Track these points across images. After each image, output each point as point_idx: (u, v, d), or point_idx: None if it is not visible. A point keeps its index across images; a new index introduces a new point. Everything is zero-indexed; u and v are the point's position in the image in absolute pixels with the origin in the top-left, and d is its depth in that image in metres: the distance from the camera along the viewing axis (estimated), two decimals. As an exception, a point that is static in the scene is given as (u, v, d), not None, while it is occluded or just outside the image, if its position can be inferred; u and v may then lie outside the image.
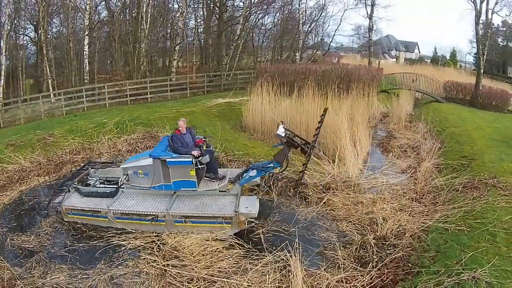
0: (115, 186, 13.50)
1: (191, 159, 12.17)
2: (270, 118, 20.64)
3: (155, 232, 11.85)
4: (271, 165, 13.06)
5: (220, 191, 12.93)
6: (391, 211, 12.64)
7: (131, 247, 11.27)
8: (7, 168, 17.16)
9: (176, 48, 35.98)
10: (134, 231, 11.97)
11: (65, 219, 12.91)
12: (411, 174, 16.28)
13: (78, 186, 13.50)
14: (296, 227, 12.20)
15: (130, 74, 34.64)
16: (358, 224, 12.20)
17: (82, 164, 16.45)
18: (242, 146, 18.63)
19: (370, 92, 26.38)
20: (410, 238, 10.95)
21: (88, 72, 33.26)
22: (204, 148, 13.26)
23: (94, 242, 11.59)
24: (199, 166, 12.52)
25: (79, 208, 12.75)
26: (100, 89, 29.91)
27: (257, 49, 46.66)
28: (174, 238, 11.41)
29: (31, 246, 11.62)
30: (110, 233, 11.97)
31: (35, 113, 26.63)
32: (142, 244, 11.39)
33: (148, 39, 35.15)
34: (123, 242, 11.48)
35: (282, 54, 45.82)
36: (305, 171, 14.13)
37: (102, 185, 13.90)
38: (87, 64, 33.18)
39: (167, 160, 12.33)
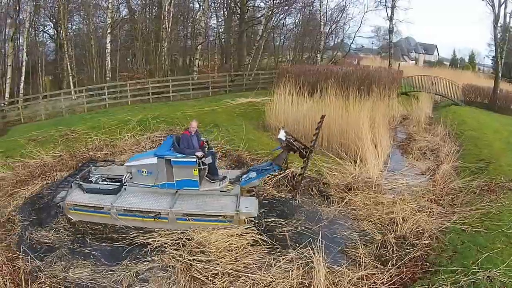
0: (118, 183, 13.87)
1: (195, 160, 12.62)
2: (292, 118, 20.93)
3: (179, 230, 12.10)
4: (271, 167, 13.36)
5: (221, 191, 13.30)
6: (411, 211, 12.85)
7: (157, 245, 11.47)
8: (29, 163, 17.28)
9: (198, 48, 36.20)
10: (157, 229, 12.22)
11: (67, 215, 13.16)
12: (430, 176, 16.52)
13: (81, 183, 13.78)
14: (319, 225, 12.41)
15: (152, 72, 35.07)
16: (378, 223, 12.47)
17: (83, 162, 16.73)
18: (266, 145, 18.76)
19: (391, 94, 26.57)
20: (429, 238, 11.20)
21: (110, 70, 33.66)
22: (206, 149, 13.68)
23: (118, 243, 11.77)
24: (202, 167, 12.90)
25: (82, 204, 12.97)
26: (122, 87, 30.23)
27: (278, 49, 46.66)
28: (200, 233, 11.61)
29: (50, 241, 11.85)
30: (133, 234, 12.09)
31: (55, 109, 27.09)
32: (168, 241, 11.58)
33: (169, 38, 35.51)
34: (148, 240, 11.66)
35: (303, 55, 45.92)
36: (304, 175, 14.26)
37: (104, 182, 14.19)
38: (109, 61, 33.61)
39: (172, 159, 12.75)
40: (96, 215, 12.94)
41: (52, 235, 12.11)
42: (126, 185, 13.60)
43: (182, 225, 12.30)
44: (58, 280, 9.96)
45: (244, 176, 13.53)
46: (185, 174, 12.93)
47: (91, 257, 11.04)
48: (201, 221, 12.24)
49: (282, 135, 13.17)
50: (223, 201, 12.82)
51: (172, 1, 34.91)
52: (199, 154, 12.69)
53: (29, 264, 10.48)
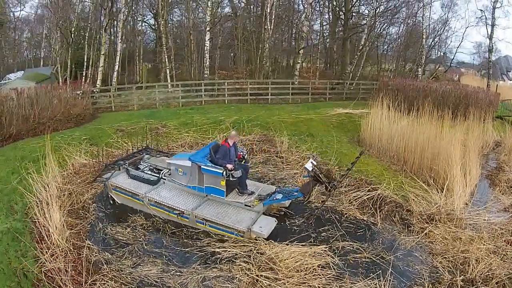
0: (158, 176, 15.17)
1: (221, 171, 13.43)
2: (387, 135, 20.90)
3: (250, 240, 12.51)
4: (296, 193, 14.01)
5: (245, 205, 13.99)
6: (486, 252, 12.36)
7: (227, 255, 11.91)
8: (113, 152, 18.52)
9: (300, 52, 36.64)
10: (227, 238, 12.90)
11: (109, 194, 14.94)
12: (512, 213, 15.83)
13: (129, 168, 15.47)
14: (393, 255, 12.31)
15: (252, 73, 35.91)
16: (452, 260, 12.09)
17: (139, 148, 17.80)
18: (358, 162, 17.65)
19: (486, 118, 25.92)
20: (496, 285, 10.91)
21: (208, 67, 34.57)
22: (242, 162, 14.74)
23: (189, 248, 12.47)
24: (231, 179, 13.68)
25: (122, 187, 14.68)
26: (220, 85, 31.32)
27: (381, 58, 46.51)
28: (272, 249, 11.81)
29: (125, 238, 12.81)
30: (206, 241, 12.78)
31: (149, 100, 28.49)
32: (240, 252, 11.98)
33: (271, 39, 36.07)
34: (218, 250, 12.19)
35: (405, 66, 45.48)
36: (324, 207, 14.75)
37: (149, 172, 15.55)
38: (208, 58, 34.50)
39: (202, 166, 13.83)
40: (132, 200, 14.66)
41: (128, 232, 13.24)
42: (165, 180, 15.04)
43: (200, 227, 13.46)
44: (122, 275, 10.82)
45: (272, 195, 14.31)
46: (213, 182, 13.94)
47: (163, 256, 11.93)
48: (215, 229, 13.22)
49: (309, 165, 13.59)
50: (241, 215, 13.49)
51: (275, 2, 35.51)
52: (229, 166, 13.61)
53: (95, 254, 11.54)
